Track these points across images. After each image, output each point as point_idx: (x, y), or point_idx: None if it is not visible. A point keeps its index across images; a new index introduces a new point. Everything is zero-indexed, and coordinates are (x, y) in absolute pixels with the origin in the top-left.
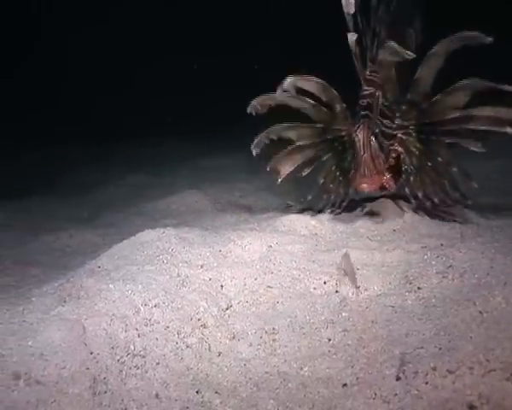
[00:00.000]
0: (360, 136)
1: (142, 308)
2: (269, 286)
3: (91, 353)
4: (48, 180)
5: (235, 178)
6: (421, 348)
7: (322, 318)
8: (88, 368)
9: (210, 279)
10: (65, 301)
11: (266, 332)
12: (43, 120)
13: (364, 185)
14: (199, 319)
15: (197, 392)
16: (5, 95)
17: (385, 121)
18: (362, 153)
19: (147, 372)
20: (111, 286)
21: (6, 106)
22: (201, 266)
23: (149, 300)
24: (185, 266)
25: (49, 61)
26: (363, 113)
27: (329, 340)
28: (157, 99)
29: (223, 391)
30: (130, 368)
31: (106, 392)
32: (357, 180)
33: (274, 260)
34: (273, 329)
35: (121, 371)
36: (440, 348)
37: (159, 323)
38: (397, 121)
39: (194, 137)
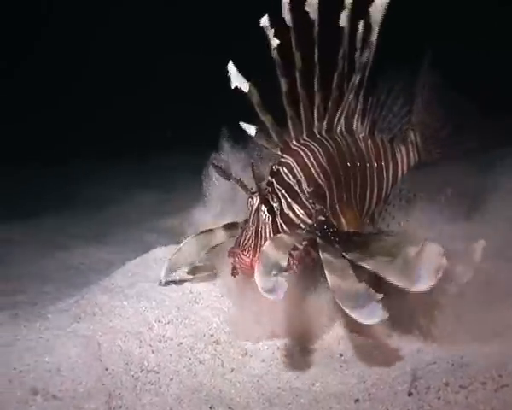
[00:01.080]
0: (254, 201)
1: (155, 325)
2: None
3: (106, 369)
4: (60, 197)
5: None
6: (434, 363)
7: (334, 334)
8: (103, 384)
9: (222, 296)
10: (80, 318)
11: (278, 348)
12: (51, 134)
13: (233, 261)
14: (211, 335)
15: (210, 408)
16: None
17: (296, 208)
18: (249, 221)
19: (161, 388)
20: (125, 303)
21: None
22: (214, 283)
23: (163, 316)
24: (198, 282)
25: (49, 66)
26: (270, 179)
27: (341, 355)
28: (158, 107)
29: (236, 407)
30: (145, 384)
31: (121, 407)
32: (229, 251)
33: None
34: (285, 345)
35: (136, 386)
36: (453, 364)
37: (172, 339)
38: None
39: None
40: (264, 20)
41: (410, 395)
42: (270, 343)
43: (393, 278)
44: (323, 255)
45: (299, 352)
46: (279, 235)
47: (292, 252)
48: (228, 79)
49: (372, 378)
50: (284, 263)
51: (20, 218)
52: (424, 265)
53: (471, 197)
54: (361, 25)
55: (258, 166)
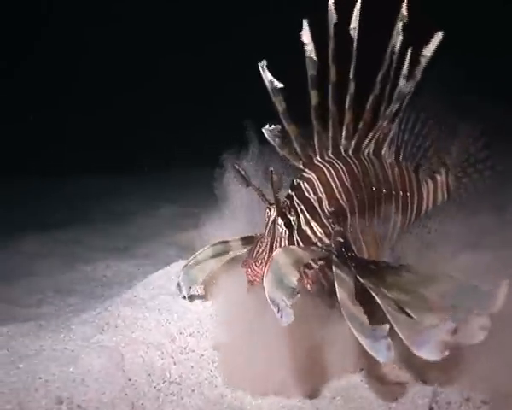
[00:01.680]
0: (271, 213)
1: (177, 337)
2: None
3: (129, 379)
4: (80, 210)
5: None
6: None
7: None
8: (126, 394)
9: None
10: (103, 330)
11: None
12: (69, 147)
13: (246, 271)
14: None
15: None
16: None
17: (314, 225)
18: (265, 233)
19: (182, 399)
20: (147, 315)
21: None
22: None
23: (184, 328)
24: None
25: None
26: (290, 193)
27: (361, 369)
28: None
29: None
30: (167, 395)
31: None
32: (243, 261)
33: None
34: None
35: (158, 397)
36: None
37: (194, 351)
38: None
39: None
40: (305, 28)
41: (431, 409)
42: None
43: (399, 330)
44: (336, 270)
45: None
46: (293, 247)
47: (306, 271)
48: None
49: (393, 393)
50: (295, 276)
51: (43, 230)
52: (433, 335)
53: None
54: (409, 54)
55: (279, 175)
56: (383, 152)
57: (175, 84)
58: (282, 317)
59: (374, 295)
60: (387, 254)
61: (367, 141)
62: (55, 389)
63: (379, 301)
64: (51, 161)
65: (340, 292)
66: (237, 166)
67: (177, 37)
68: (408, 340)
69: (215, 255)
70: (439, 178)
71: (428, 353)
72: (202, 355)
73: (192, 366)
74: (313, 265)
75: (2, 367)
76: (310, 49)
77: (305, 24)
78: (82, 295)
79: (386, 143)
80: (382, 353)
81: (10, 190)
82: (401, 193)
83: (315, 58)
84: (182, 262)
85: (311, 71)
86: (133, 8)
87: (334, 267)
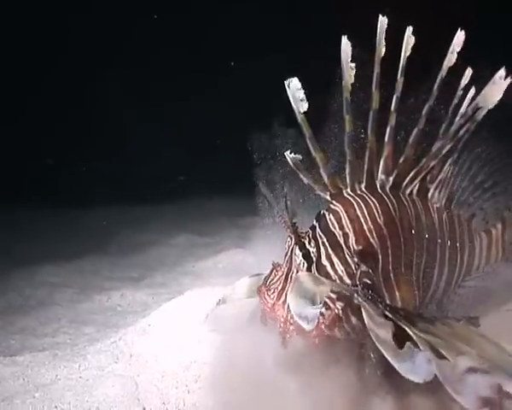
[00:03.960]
0: (291, 242)
1: (191, 365)
2: None
3: (144, 408)
4: (99, 241)
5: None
6: None
7: None
8: None
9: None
10: (118, 359)
11: None
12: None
13: (260, 300)
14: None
15: None
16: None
17: (336, 262)
18: (283, 262)
19: None
20: (161, 344)
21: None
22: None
23: (198, 357)
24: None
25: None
26: (314, 223)
27: None
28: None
29: None
30: None
31: None
32: (257, 289)
33: None
34: None
35: None
36: None
37: (208, 379)
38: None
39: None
40: (346, 46)
41: None
42: None
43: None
44: (362, 303)
45: None
46: (316, 275)
47: (323, 311)
48: None
49: None
50: (319, 297)
51: (59, 261)
52: (475, 385)
53: None
54: (471, 93)
55: (292, 201)
56: (429, 195)
57: (188, 109)
58: (307, 323)
59: (405, 328)
60: (430, 311)
61: (409, 179)
62: None
63: (411, 333)
64: (71, 192)
65: (366, 317)
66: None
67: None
68: (446, 381)
69: (251, 287)
70: (494, 232)
71: (468, 404)
72: (215, 384)
73: (206, 395)
74: (332, 306)
75: (19, 397)
76: (347, 69)
77: (346, 42)
78: (97, 325)
79: (434, 185)
80: (421, 369)
81: (29, 221)
82: (448, 243)
83: (352, 80)
84: (196, 291)
85: (346, 93)
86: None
87: (359, 301)
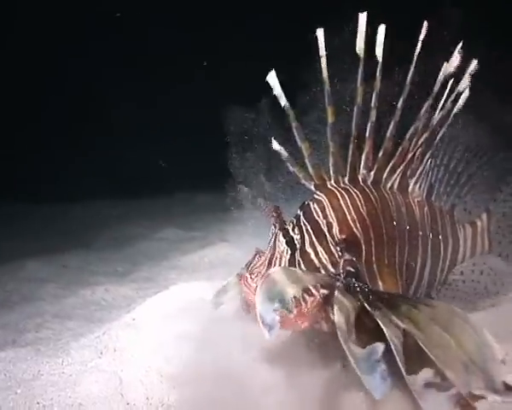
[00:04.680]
0: (275, 229)
1: (176, 360)
2: None
3: (128, 403)
4: (85, 235)
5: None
6: None
7: None
8: None
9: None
10: (102, 353)
11: None
12: (70, 172)
13: (242, 286)
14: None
15: None
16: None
17: (319, 250)
18: (267, 248)
19: None
20: (146, 339)
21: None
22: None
23: (184, 352)
24: (217, 317)
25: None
26: (298, 212)
27: None
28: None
29: None
30: None
31: None
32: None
33: None
34: None
35: None
36: None
37: (193, 374)
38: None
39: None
40: (321, 39)
41: None
42: None
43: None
44: (338, 295)
45: None
46: (294, 268)
47: (306, 296)
48: None
49: None
50: (290, 297)
51: (44, 256)
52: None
53: None
54: (449, 86)
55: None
56: (410, 189)
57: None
58: (268, 331)
59: (381, 325)
60: None
61: (388, 172)
62: None
63: (386, 333)
64: (57, 186)
65: (338, 316)
66: (246, 189)
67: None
68: (412, 387)
69: None
70: (479, 223)
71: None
72: (202, 378)
73: (191, 390)
74: (314, 292)
75: (0, 392)
76: (324, 61)
77: (321, 34)
78: (81, 320)
79: (414, 180)
80: (377, 388)
81: (14, 216)
82: (430, 235)
83: (327, 73)
84: (181, 285)
85: (326, 85)
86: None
87: (336, 292)
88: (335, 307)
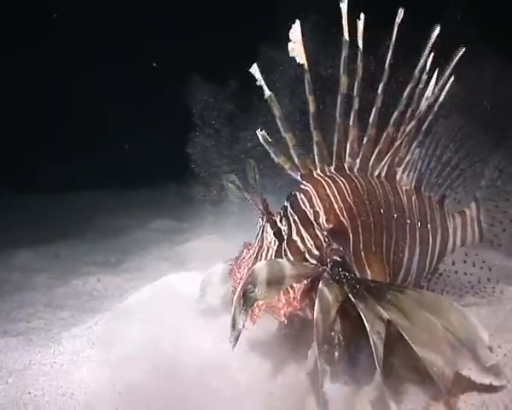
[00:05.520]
0: (262, 222)
1: (166, 350)
2: None
3: (120, 394)
4: (77, 225)
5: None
6: None
7: None
8: (117, 408)
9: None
10: (93, 344)
11: None
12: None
13: (231, 279)
14: (221, 361)
15: None
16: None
17: (306, 236)
18: (255, 241)
19: None
20: (137, 329)
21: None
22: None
23: (174, 342)
24: (209, 307)
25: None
26: (285, 203)
27: None
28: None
29: None
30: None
31: None
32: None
33: None
34: None
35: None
36: None
37: (181, 365)
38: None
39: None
40: (296, 27)
41: None
42: None
43: (379, 366)
44: (322, 287)
45: None
46: (279, 260)
47: (294, 285)
48: None
49: None
50: (261, 294)
51: (37, 245)
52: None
53: None
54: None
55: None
56: (398, 177)
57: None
58: (231, 341)
59: (364, 319)
60: None
61: (374, 160)
62: (45, 403)
63: (367, 328)
64: (50, 177)
65: (317, 313)
66: (231, 178)
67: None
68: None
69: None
70: (468, 212)
71: None
72: (192, 369)
73: (181, 380)
74: (294, 286)
75: None
76: (298, 50)
77: (297, 23)
78: (72, 310)
79: (402, 168)
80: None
81: (7, 206)
82: (419, 224)
83: (304, 60)
84: (173, 276)
85: (306, 74)
86: None
87: (321, 284)
88: (316, 303)
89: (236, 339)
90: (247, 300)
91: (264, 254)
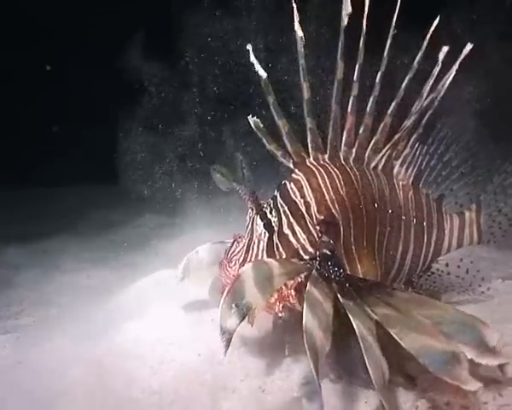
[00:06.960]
0: (252, 213)
1: (157, 346)
2: None
3: (108, 390)
4: (63, 220)
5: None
6: None
7: None
8: (107, 405)
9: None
10: (83, 340)
11: None
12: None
13: (220, 272)
14: (214, 357)
15: None
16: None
17: (298, 230)
18: (245, 234)
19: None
20: (128, 324)
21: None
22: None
23: (165, 337)
24: (200, 303)
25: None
26: (275, 193)
27: None
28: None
29: None
30: (147, 406)
31: None
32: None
33: None
34: None
35: (138, 408)
36: None
37: (174, 360)
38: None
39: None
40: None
41: None
42: None
43: (369, 365)
44: (311, 288)
45: None
46: (268, 260)
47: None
48: None
49: None
50: (252, 300)
51: (27, 241)
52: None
53: None
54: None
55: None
56: (395, 171)
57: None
58: (223, 347)
59: (352, 319)
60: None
61: (371, 151)
62: (35, 401)
63: (355, 328)
64: (41, 171)
65: (306, 317)
66: (218, 169)
67: None
68: (375, 379)
69: (214, 254)
70: (467, 214)
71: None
72: (183, 365)
73: (172, 376)
74: (284, 285)
75: None
76: (300, 35)
77: (295, 11)
78: (63, 306)
79: (400, 162)
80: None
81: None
82: (414, 221)
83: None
84: (164, 271)
85: (301, 59)
86: None
87: (309, 284)
88: (305, 306)
89: (228, 343)
90: (239, 310)
91: (254, 248)
